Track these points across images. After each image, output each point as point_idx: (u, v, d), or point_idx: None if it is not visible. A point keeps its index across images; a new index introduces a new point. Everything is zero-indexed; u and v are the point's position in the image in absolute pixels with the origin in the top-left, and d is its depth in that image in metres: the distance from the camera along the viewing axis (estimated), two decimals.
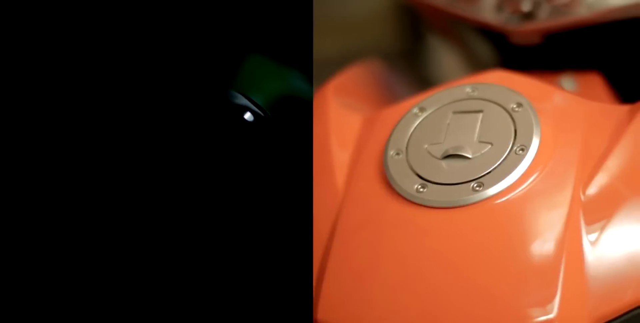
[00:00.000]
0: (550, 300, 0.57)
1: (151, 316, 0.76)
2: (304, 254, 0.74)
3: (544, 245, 0.60)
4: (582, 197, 0.62)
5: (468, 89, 0.69)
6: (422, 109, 0.70)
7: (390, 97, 0.88)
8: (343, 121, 0.75)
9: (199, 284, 0.75)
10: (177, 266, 0.76)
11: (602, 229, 0.60)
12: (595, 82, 0.82)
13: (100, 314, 0.76)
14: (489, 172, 0.63)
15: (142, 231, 0.76)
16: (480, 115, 0.67)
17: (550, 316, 0.57)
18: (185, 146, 0.75)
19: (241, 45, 0.83)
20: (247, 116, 0.73)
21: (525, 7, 0.78)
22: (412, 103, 0.71)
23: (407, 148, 0.68)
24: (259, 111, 0.74)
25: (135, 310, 0.76)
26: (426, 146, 0.67)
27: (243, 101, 0.74)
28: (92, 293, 0.76)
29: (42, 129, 0.79)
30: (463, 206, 0.62)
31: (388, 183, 0.66)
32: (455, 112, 0.68)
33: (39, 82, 0.80)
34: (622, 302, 0.58)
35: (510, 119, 0.66)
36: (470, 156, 0.65)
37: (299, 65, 0.83)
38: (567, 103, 0.68)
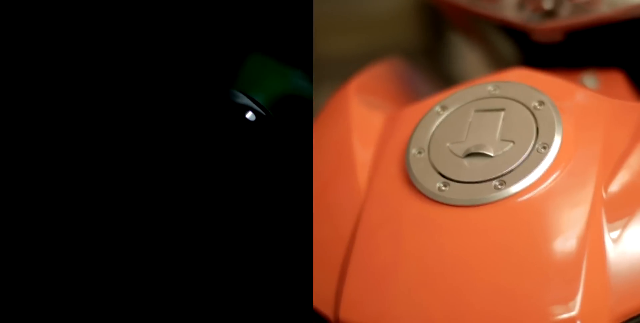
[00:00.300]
0: (573, 297, 0.57)
1: (151, 310, 0.76)
2: (304, 252, 0.74)
3: (565, 242, 0.60)
4: (604, 195, 0.62)
5: (490, 88, 0.70)
6: (444, 108, 0.70)
7: (412, 95, 0.88)
8: (365, 119, 0.76)
9: (199, 282, 0.76)
10: (177, 265, 0.76)
11: (624, 226, 0.60)
12: (617, 80, 0.82)
13: (100, 314, 0.76)
14: (511, 170, 0.63)
15: (145, 230, 0.77)
16: (502, 113, 0.67)
17: (572, 313, 0.57)
18: (187, 145, 0.75)
19: (242, 44, 0.83)
20: (249, 115, 0.73)
21: (547, 5, 0.77)
22: (434, 102, 0.71)
23: (429, 146, 0.68)
24: (261, 111, 0.74)
25: (136, 308, 0.76)
26: (448, 144, 0.67)
27: (245, 100, 0.74)
28: (92, 292, 0.76)
29: (43, 129, 0.80)
30: (485, 204, 0.63)
31: (410, 182, 0.67)
32: (477, 111, 0.69)
33: (40, 83, 0.81)
34: None
35: (532, 118, 0.66)
36: (492, 155, 0.65)
37: (299, 64, 0.83)
38: (589, 101, 0.68)
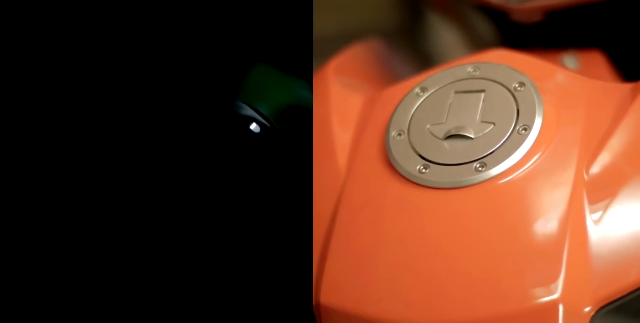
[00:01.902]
0: (554, 280, 0.57)
1: (151, 299, 0.76)
2: (305, 260, 0.74)
3: (547, 225, 0.59)
4: (585, 176, 0.61)
5: (470, 69, 0.69)
6: (423, 89, 0.70)
7: (391, 76, 0.88)
8: (344, 102, 0.75)
9: (199, 288, 0.75)
10: (177, 265, 0.76)
11: (606, 208, 0.60)
12: (597, 61, 0.82)
13: (100, 314, 0.75)
14: (492, 152, 0.63)
15: (150, 242, 0.76)
16: (482, 95, 0.67)
17: (554, 296, 0.57)
18: (191, 157, 0.74)
19: (246, 55, 0.83)
20: (253, 126, 0.73)
21: None
22: (414, 83, 0.71)
23: (409, 128, 0.67)
24: (265, 122, 0.73)
25: (136, 307, 0.76)
26: (428, 126, 0.67)
27: (249, 111, 0.74)
28: (92, 293, 0.76)
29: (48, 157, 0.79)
30: (465, 186, 0.62)
31: (390, 164, 0.66)
32: (457, 92, 0.68)
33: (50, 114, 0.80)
34: (626, 282, 0.58)
35: (512, 99, 0.65)
36: (472, 136, 0.64)
37: (301, 74, 0.83)
38: (569, 82, 0.68)
